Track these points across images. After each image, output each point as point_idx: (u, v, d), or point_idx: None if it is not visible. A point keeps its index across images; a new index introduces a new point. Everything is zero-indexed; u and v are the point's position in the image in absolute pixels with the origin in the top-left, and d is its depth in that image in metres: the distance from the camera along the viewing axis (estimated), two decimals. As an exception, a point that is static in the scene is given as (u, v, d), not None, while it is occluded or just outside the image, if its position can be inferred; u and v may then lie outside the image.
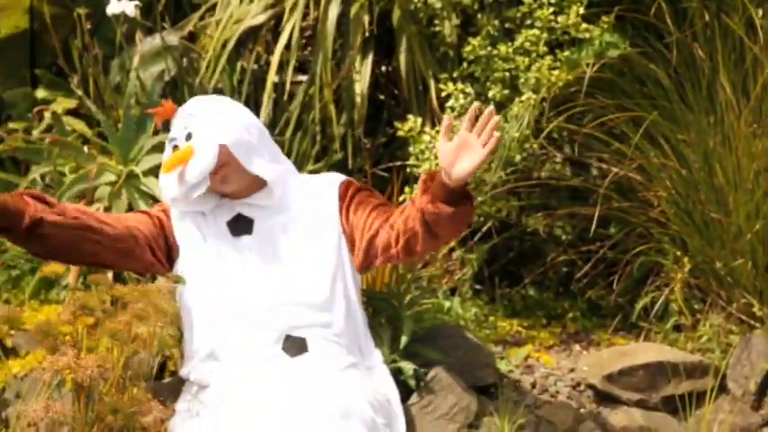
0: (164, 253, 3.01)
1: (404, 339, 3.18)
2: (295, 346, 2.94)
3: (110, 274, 3.29)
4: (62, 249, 2.88)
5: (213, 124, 2.97)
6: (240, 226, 3.00)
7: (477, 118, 2.80)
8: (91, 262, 3.00)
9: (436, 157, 3.57)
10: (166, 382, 3.05)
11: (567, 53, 3.60)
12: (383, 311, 3.21)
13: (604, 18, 3.63)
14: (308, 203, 3.02)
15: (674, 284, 3.55)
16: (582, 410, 3.26)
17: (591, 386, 3.30)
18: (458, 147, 2.80)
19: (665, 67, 3.68)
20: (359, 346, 3.05)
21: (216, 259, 2.97)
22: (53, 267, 3.19)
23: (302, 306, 2.95)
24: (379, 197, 3.07)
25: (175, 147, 3.00)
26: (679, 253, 3.59)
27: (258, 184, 3.01)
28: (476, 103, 2.84)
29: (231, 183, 2.98)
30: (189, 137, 2.98)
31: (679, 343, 3.47)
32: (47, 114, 3.84)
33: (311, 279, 2.96)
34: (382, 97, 4.07)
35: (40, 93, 4.02)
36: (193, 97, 3.16)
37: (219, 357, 2.94)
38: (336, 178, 3.08)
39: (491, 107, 2.79)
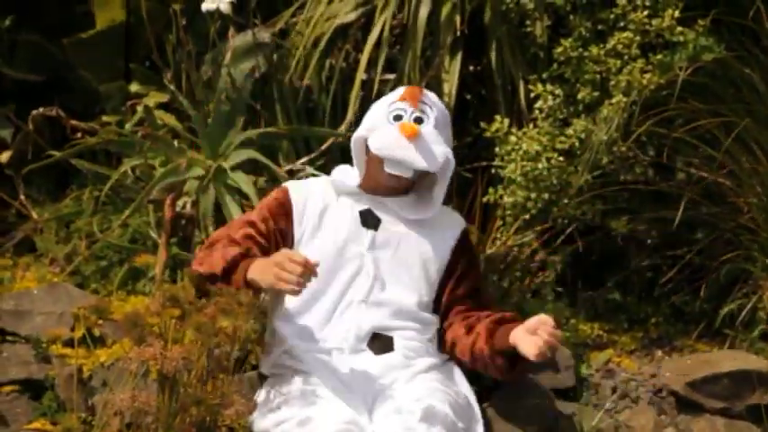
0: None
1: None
2: (381, 344, 2.98)
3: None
4: None
5: (441, 131, 3.03)
6: (369, 220, 3.05)
7: None
8: None
9: (522, 159, 3.57)
10: (247, 376, 3.08)
11: (659, 56, 3.55)
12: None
13: (700, 21, 3.57)
14: (433, 229, 3.08)
15: (763, 292, 3.49)
16: (663, 417, 3.23)
17: (673, 393, 3.27)
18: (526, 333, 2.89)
19: (761, 71, 3.62)
20: (440, 347, 3.08)
21: (335, 242, 3.02)
22: (142, 258, 3.26)
23: (397, 314, 3.00)
24: (476, 273, 3.13)
25: (398, 117, 3.02)
26: (768, 260, 3.54)
27: (403, 189, 3.06)
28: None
29: (401, 183, 3.04)
30: (419, 120, 3.01)
31: (765, 352, 3.41)
32: (139, 108, 3.92)
33: (411, 297, 3.02)
34: (469, 97, 4.07)
35: (134, 86, 4.10)
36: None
37: (302, 353, 2.98)
38: (462, 222, 3.15)
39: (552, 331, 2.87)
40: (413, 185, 3.10)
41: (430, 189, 3.08)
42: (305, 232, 3.06)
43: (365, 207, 3.06)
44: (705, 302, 3.64)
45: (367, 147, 3.04)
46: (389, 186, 3.06)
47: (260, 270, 2.89)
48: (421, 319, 3.04)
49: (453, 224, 3.13)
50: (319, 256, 2.95)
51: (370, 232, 3.03)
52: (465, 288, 3.09)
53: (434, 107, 3.07)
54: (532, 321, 2.89)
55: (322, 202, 3.08)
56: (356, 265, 3.01)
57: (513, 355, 2.94)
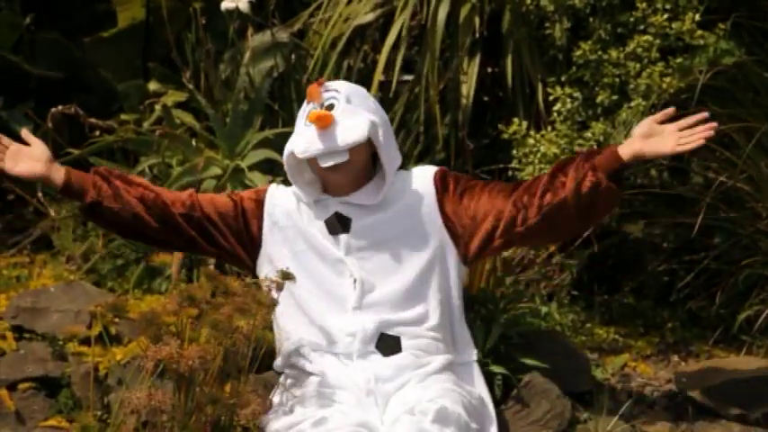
0: (239, 238, 3.03)
1: (490, 341, 3.18)
2: (389, 345, 2.95)
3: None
4: (117, 228, 3.00)
5: (357, 104, 2.98)
6: (337, 225, 3.01)
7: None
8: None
9: (540, 161, 3.55)
10: (263, 376, 3.09)
11: (679, 60, 3.54)
12: (478, 314, 3.20)
13: (720, 25, 3.56)
14: (404, 200, 3.01)
15: (780, 298, 3.49)
16: (679, 422, 3.22)
17: (689, 398, 3.25)
18: (654, 131, 2.86)
19: (782, 76, 3.61)
20: (453, 340, 3.04)
21: (312, 256, 3.01)
22: (159, 258, 3.27)
23: (397, 304, 2.96)
24: (478, 180, 3.04)
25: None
26: (787, 266, 3.53)
27: (360, 181, 3.03)
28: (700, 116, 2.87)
29: (349, 173, 2.97)
30: (330, 108, 2.96)
31: (783, 358, 3.41)
32: (157, 107, 3.93)
33: (407, 277, 2.97)
34: (487, 99, 4.06)
35: (152, 85, 4.11)
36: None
37: (313, 353, 2.97)
38: (430, 171, 3.05)
39: (705, 114, 2.86)
40: (370, 174, 3.04)
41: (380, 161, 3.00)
42: (275, 224, 3.01)
43: (331, 213, 3.01)
44: (722, 308, 3.62)
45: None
46: (344, 182, 3.00)
47: None
48: (426, 298, 2.98)
49: (425, 177, 3.03)
50: (301, 260, 2.96)
51: (343, 236, 2.99)
52: (479, 193, 2.99)
53: (341, 88, 3.01)
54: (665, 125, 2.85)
55: (297, 209, 3.03)
56: (338, 272, 2.97)
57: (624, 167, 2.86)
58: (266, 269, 3.01)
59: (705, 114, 2.87)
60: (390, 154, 3.00)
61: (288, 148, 2.99)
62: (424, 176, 3.05)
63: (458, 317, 3.07)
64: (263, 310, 2.85)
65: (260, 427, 2.96)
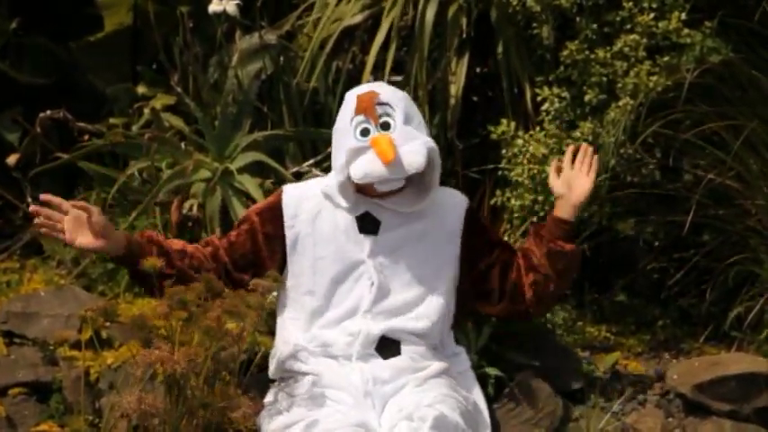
0: (273, 260, 3.03)
1: (482, 340, 3.19)
2: (389, 348, 2.96)
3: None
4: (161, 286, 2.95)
5: (412, 122, 2.97)
6: (367, 225, 3.00)
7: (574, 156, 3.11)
8: None
9: (529, 161, 3.56)
10: (255, 377, 3.08)
11: (666, 58, 3.54)
12: (470, 315, 3.21)
13: (706, 23, 3.57)
14: (435, 216, 3.03)
15: (770, 294, 3.49)
16: (670, 419, 3.22)
17: (680, 395, 3.25)
18: (567, 182, 3.06)
19: (769, 73, 3.62)
20: (447, 351, 3.07)
21: (331, 261, 2.99)
22: (149, 261, 3.26)
23: (404, 312, 2.98)
24: (492, 237, 3.12)
25: (365, 131, 2.96)
26: (776, 263, 3.53)
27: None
28: (570, 147, 3.11)
29: (396, 184, 2.97)
30: (386, 126, 2.95)
31: (773, 354, 3.41)
32: (146, 110, 3.93)
33: (420, 289, 2.99)
34: (476, 98, 4.06)
35: (141, 89, 4.11)
36: (378, 83, 3.16)
37: (310, 356, 2.97)
38: (463, 200, 3.09)
39: (584, 144, 3.12)
40: (408, 180, 3.04)
41: (423, 176, 2.99)
42: (298, 237, 3.01)
43: (362, 211, 3.01)
44: (712, 305, 3.62)
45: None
46: (385, 192, 3.01)
47: None
48: (431, 329, 3.01)
49: (457, 204, 3.07)
50: (322, 269, 2.97)
51: (370, 238, 2.98)
52: (491, 261, 3.07)
53: (394, 101, 2.98)
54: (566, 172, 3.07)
55: (316, 208, 3.02)
56: (358, 273, 2.97)
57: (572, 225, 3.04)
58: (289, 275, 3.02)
59: (571, 148, 3.11)
60: (436, 170, 2.99)
61: (343, 168, 2.93)
62: (456, 203, 3.07)
63: (449, 337, 3.10)
64: (253, 313, 2.86)
65: (253, 429, 2.96)
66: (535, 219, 3.58)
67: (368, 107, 2.95)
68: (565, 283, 3.08)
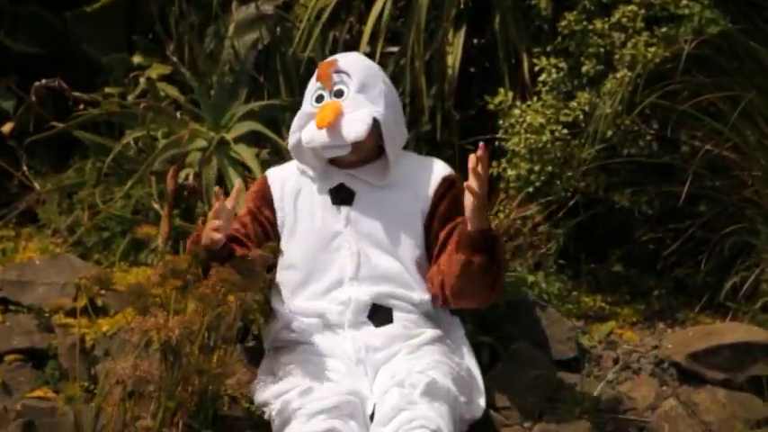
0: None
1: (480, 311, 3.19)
2: (381, 316, 2.98)
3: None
4: None
5: (367, 92, 2.99)
6: (341, 196, 3.03)
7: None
8: None
9: (526, 131, 3.56)
10: (249, 346, 3.09)
11: (664, 29, 3.53)
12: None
13: (706, -7, 3.56)
14: (410, 185, 3.05)
15: (766, 265, 3.48)
16: (664, 388, 3.23)
17: (675, 364, 3.26)
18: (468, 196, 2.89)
19: (767, 44, 3.60)
20: (441, 319, 3.07)
21: (312, 225, 3.02)
22: (144, 229, 3.27)
23: (391, 279, 3.00)
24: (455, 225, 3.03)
25: (320, 97, 3.01)
26: (772, 233, 3.53)
27: (369, 157, 3.03)
28: (471, 157, 2.88)
29: (357, 153, 3.00)
30: (339, 94, 3.00)
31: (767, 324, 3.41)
32: (142, 80, 3.91)
33: (401, 256, 3.01)
34: (473, 69, 4.05)
35: (137, 59, 4.09)
36: (346, 53, 3.18)
37: (305, 322, 2.98)
38: (441, 171, 3.08)
39: (479, 152, 2.86)
40: (380, 151, 3.04)
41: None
42: (285, 217, 3.06)
43: (336, 183, 3.04)
44: (708, 275, 3.62)
45: None
46: (351, 159, 3.02)
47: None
48: (416, 283, 3.02)
49: (433, 174, 3.07)
50: (302, 242, 3.00)
51: (344, 208, 3.02)
52: (448, 230, 3.03)
53: (353, 69, 3.02)
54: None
55: (296, 186, 3.08)
56: (337, 244, 3.00)
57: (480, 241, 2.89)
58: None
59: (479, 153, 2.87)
60: (395, 140, 3.02)
61: (295, 131, 3.01)
62: (434, 172, 3.07)
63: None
64: (248, 282, 2.86)
65: (247, 396, 2.97)
66: (531, 189, 3.58)
67: (325, 74, 3.02)
68: (468, 297, 2.99)
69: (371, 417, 2.83)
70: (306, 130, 3.00)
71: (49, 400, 2.90)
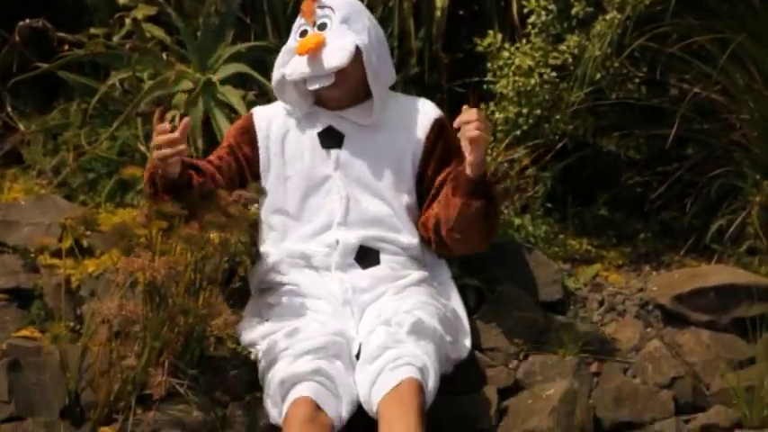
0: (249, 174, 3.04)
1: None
2: (368, 258, 2.98)
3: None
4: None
5: (350, 24, 2.99)
6: (330, 139, 3.02)
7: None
8: None
9: (514, 74, 3.54)
10: (236, 288, 3.09)
11: (655, -30, 3.51)
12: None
13: (697, -66, 3.53)
14: (399, 126, 3.03)
15: (752, 208, 3.48)
16: (649, 330, 3.25)
17: (659, 306, 3.28)
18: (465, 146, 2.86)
19: (757, -14, 3.58)
20: (428, 261, 3.08)
21: (301, 168, 3.00)
22: (130, 170, 3.25)
23: (379, 222, 3.00)
24: (458, 156, 3.01)
25: (304, 32, 3.01)
26: (759, 176, 3.52)
27: (357, 97, 3.01)
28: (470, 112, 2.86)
29: (342, 87, 2.98)
30: (322, 27, 2.99)
31: (752, 266, 3.41)
32: (127, 21, 3.86)
33: (390, 198, 3.01)
34: (462, 12, 4.01)
35: (122, -1, 4.04)
36: None
37: (290, 268, 2.98)
38: (432, 113, 3.07)
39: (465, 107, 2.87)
40: (367, 91, 3.02)
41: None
42: (271, 159, 3.04)
43: (325, 126, 3.03)
44: (694, 218, 3.63)
45: None
46: (338, 96, 3.01)
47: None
48: (405, 227, 3.02)
49: (424, 116, 3.06)
50: (290, 186, 2.99)
51: (334, 151, 3.00)
52: (445, 175, 3.02)
53: (337, 5, 3.01)
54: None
55: (284, 127, 3.05)
56: (326, 188, 2.99)
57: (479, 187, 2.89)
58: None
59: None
60: (380, 76, 3.01)
61: (279, 67, 3.00)
62: (424, 115, 3.06)
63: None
64: (233, 223, 2.86)
65: (233, 337, 2.98)
66: (518, 132, 3.57)
67: (309, 10, 3.02)
68: (466, 242, 2.98)
69: (357, 356, 2.84)
70: (289, 64, 2.99)
71: (35, 339, 2.90)
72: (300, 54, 2.94)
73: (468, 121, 2.83)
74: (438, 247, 3.03)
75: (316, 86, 2.97)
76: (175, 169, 2.84)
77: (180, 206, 2.82)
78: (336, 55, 2.94)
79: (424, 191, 3.04)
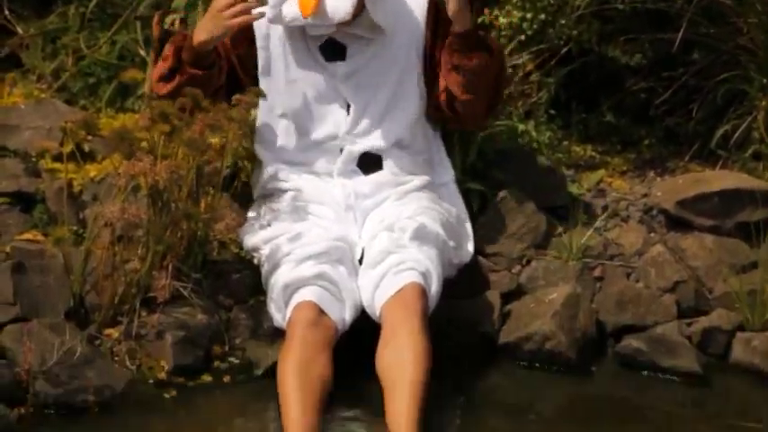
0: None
1: (468, 159, 3.19)
2: (370, 163, 2.97)
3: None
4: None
5: None
6: (333, 51, 2.97)
7: None
8: None
9: None
10: (238, 193, 3.08)
11: None
12: (455, 132, 3.19)
13: None
14: (397, 30, 2.98)
15: (758, 112, 3.46)
16: (652, 235, 3.25)
17: (663, 211, 3.27)
18: None
19: None
20: (431, 162, 3.06)
21: (306, 77, 2.96)
22: (130, 74, 3.22)
23: (384, 135, 2.97)
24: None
25: None
26: (765, 81, 3.49)
27: (355, 8, 2.95)
28: None
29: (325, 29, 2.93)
30: None
31: (757, 171, 3.41)
32: None
33: (396, 109, 2.98)
34: None
35: None
36: None
37: (292, 174, 2.97)
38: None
39: None
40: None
41: None
42: (271, 61, 2.97)
43: (325, 38, 2.96)
44: (699, 123, 3.61)
45: None
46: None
47: (203, 29, 2.87)
48: (411, 132, 3.00)
49: (417, 7, 3.01)
50: (293, 94, 2.94)
51: (337, 64, 2.95)
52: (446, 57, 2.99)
53: None
54: None
55: (287, 32, 2.98)
56: (332, 98, 2.96)
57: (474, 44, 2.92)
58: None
59: None
60: None
61: (275, 5, 2.90)
62: (416, 5, 3.00)
63: (436, 141, 3.10)
64: (235, 126, 2.84)
65: (237, 242, 2.98)
66: (523, 37, 3.53)
67: None
68: (473, 100, 2.99)
69: (360, 262, 2.84)
70: (287, 5, 2.90)
71: (39, 242, 2.90)
72: (306, 17, 2.87)
73: None
74: (453, 122, 3.05)
75: (316, 33, 2.93)
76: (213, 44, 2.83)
77: (181, 107, 2.79)
78: (339, 4, 2.87)
79: (434, 73, 3.01)
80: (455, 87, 2.95)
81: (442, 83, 2.99)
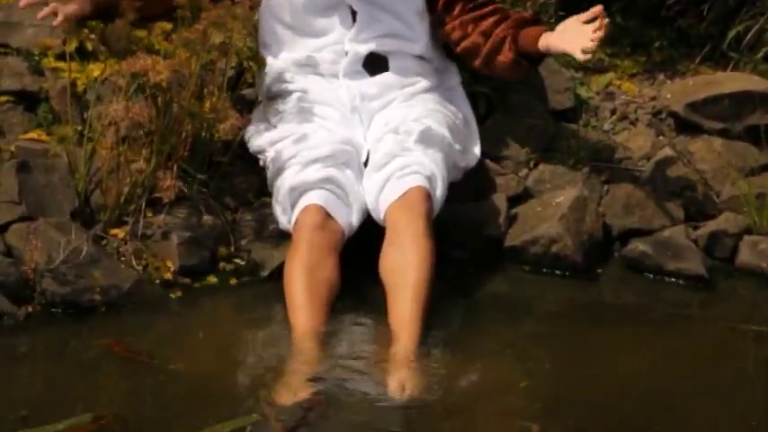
0: None
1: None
2: (376, 64, 2.94)
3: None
4: None
5: None
6: None
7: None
8: None
9: None
10: (243, 94, 3.06)
11: None
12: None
13: None
14: None
15: (771, 12, 3.42)
16: (661, 138, 3.23)
17: (672, 114, 3.25)
18: (570, 29, 2.86)
19: None
20: (438, 65, 3.03)
21: None
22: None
23: (391, 38, 2.95)
24: None
25: None
26: (780, -20, 3.45)
27: None
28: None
29: None
30: None
31: (768, 73, 3.39)
32: None
33: (402, 13, 2.95)
34: None
35: None
36: None
37: (297, 75, 2.94)
38: None
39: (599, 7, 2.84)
40: None
41: None
42: None
43: None
44: (711, 25, 3.55)
45: None
46: None
47: None
48: (417, 36, 2.97)
49: None
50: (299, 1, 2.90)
51: None
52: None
53: None
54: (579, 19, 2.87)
55: None
56: (336, 4, 2.92)
57: (535, 57, 2.93)
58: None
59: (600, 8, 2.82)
60: None
61: None
62: None
63: (441, 45, 3.06)
64: (238, 24, 2.80)
65: (242, 143, 2.96)
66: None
67: None
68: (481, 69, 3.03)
69: (366, 164, 2.83)
70: None
71: (43, 142, 2.88)
72: None
73: (593, 27, 2.80)
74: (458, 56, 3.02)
75: None
76: None
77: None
78: None
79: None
80: (485, 56, 2.96)
81: (468, 29, 2.98)
